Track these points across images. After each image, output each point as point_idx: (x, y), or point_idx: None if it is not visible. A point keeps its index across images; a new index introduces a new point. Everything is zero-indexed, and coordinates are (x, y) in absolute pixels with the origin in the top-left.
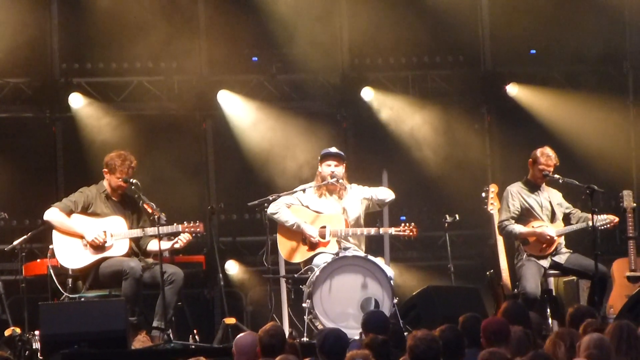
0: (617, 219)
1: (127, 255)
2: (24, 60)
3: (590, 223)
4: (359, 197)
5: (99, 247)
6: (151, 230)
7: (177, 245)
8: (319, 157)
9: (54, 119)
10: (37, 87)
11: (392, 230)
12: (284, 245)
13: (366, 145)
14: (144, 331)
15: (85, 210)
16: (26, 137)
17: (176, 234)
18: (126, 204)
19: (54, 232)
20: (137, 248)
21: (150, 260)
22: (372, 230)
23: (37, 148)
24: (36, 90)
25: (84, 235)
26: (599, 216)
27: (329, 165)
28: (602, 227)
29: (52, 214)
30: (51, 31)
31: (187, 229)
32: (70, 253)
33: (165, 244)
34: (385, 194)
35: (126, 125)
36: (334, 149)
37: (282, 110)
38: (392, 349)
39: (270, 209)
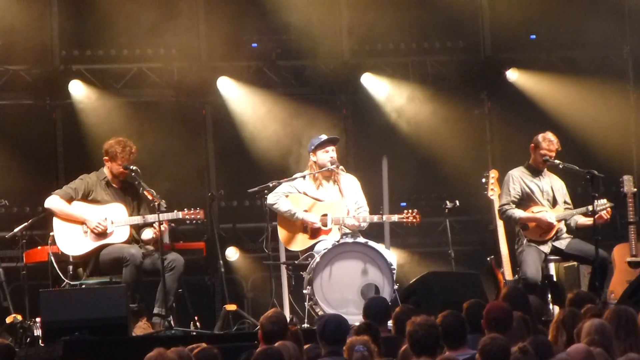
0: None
1: (128, 242)
2: (23, 48)
3: (590, 208)
4: (353, 188)
5: (100, 234)
6: (151, 217)
7: (150, 235)
8: (312, 147)
9: (54, 106)
10: (37, 74)
11: (395, 218)
12: (283, 235)
13: (366, 131)
14: (144, 318)
15: (86, 198)
16: (26, 125)
17: (177, 221)
18: (126, 190)
19: (55, 219)
20: (138, 235)
21: (150, 247)
22: (375, 218)
23: (37, 135)
24: (36, 77)
25: (85, 222)
26: (598, 201)
27: (327, 152)
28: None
29: (53, 202)
30: (51, 18)
31: (187, 216)
32: (70, 240)
33: (148, 233)
34: (364, 217)
35: (126, 112)
36: (324, 136)
37: (281, 96)
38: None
39: (270, 200)
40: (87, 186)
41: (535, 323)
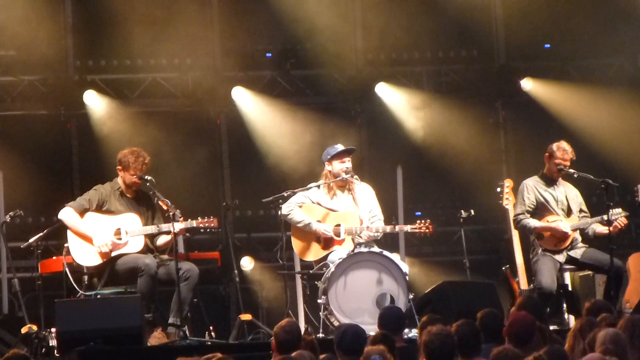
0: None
1: (142, 252)
2: (38, 58)
3: (605, 217)
4: (368, 197)
5: (104, 254)
6: (166, 227)
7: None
8: (328, 156)
9: (68, 116)
10: (52, 84)
11: (408, 228)
12: (297, 245)
13: (381, 140)
14: (159, 327)
15: (100, 208)
16: (41, 135)
17: (192, 231)
18: (141, 200)
19: (69, 230)
20: (152, 244)
21: (165, 256)
22: (388, 228)
23: (52, 145)
24: (51, 87)
25: (92, 240)
26: (613, 210)
27: (343, 162)
28: (620, 220)
29: (66, 214)
30: (65, 29)
31: (201, 224)
32: (85, 251)
33: (163, 239)
34: (376, 228)
35: (141, 122)
36: (340, 146)
37: (296, 106)
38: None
39: (283, 210)
40: (101, 197)
41: (550, 332)
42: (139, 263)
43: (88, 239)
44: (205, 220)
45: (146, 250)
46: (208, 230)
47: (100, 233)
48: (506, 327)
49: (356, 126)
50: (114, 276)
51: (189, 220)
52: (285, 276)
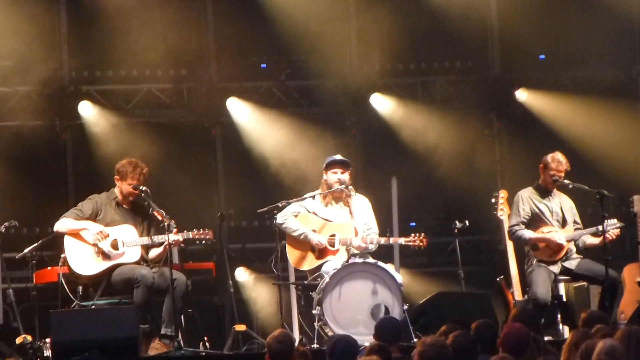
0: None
1: (138, 262)
2: (33, 69)
3: (600, 228)
4: (363, 209)
5: (109, 254)
6: (160, 238)
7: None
8: (324, 165)
9: (63, 127)
10: (47, 95)
11: (402, 241)
12: (292, 254)
13: (375, 151)
14: (156, 338)
15: (95, 217)
16: (36, 146)
17: (186, 241)
18: (136, 211)
19: (66, 239)
20: (147, 255)
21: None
22: (382, 240)
23: (47, 156)
24: (46, 98)
25: (87, 228)
26: (608, 220)
27: (335, 173)
28: (613, 231)
29: (60, 224)
30: (60, 39)
31: (196, 236)
32: (83, 260)
33: (155, 251)
34: (371, 239)
35: (135, 132)
36: (338, 157)
37: (291, 116)
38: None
39: (278, 219)
40: (96, 205)
41: (545, 343)
42: (135, 274)
43: (83, 240)
44: (201, 232)
45: (142, 260)
46: (203, 242)
47: (95, 224)
48: (500, 339)
49: (351, 137)
50: (110, 286)
51: (185, 231)
52: (280, 287)
